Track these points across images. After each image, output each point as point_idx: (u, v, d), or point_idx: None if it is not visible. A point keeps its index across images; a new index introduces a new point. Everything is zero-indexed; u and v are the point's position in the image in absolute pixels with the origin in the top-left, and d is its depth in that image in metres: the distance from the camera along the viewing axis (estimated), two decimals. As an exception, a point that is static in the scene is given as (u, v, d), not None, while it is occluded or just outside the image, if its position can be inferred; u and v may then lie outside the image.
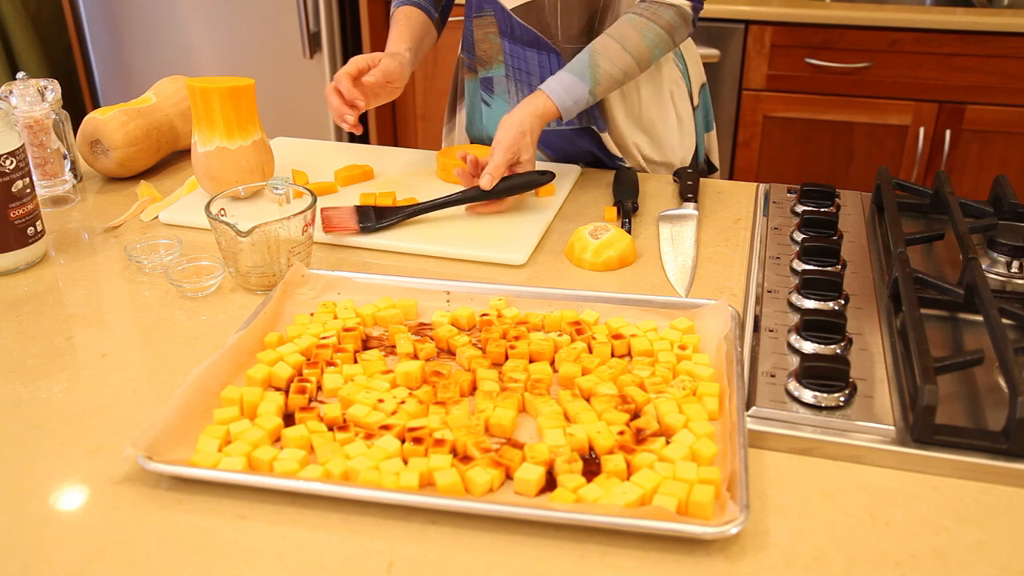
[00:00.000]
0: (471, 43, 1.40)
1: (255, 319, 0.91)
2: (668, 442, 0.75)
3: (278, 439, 0.77)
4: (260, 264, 1.00)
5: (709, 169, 1.48)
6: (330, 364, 0.86)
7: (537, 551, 0.66)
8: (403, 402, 0.80)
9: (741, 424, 0.74)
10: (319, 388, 0.84)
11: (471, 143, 1.45)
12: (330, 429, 0.77)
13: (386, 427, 0.77)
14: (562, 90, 1.18)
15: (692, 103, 1.39)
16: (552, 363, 0.87)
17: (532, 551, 0.66)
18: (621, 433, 0.75)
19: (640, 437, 0.76)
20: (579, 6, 1.27)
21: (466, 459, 0.72)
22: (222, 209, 1.02)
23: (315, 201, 1.02)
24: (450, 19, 1.39)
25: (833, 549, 0.67)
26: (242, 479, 0.71)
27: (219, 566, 0.65)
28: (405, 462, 0.73)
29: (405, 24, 1.33)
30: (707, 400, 0.79)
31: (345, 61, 2.73)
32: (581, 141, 1.37)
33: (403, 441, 0.76)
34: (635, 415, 0.79)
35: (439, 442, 0.74)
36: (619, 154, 1.35)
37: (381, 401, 0.80)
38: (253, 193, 1.12)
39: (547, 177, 1.19)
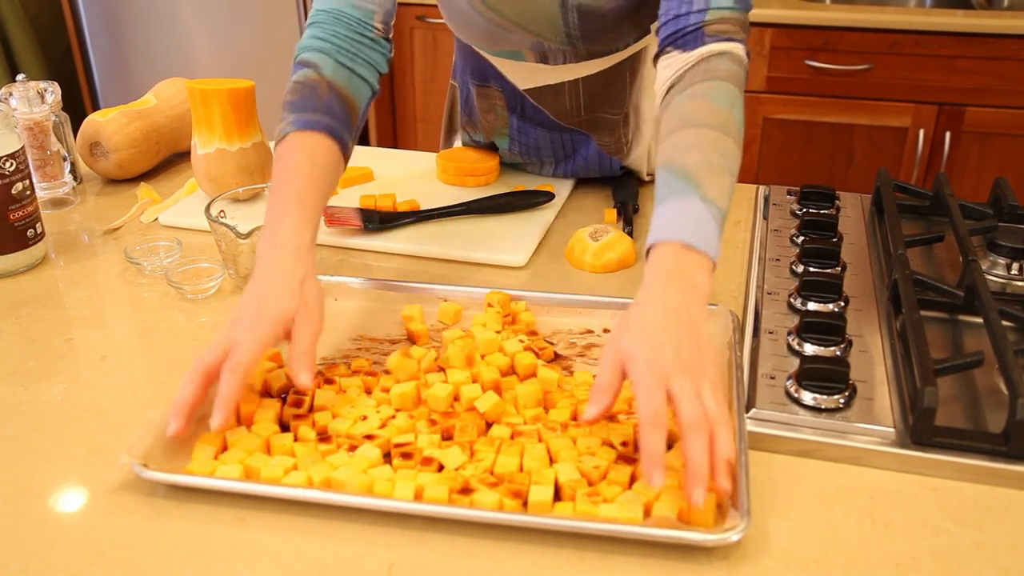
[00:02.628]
0: (471, 106, 1.29)
1: None
2: (669, 447, 0.75)
3: None
4: (260, 266, 1.00)
5: None
6: (328, 381, 0.83)
7: (537, 557, 0.66)
8: (393, 416, 0.79)
9: (741, 429, 0.74)
10: (311, 404, 0.81)
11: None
12: (321, 439, 0.77)
13: (370, 437, 0.76)
14: (673, 223, 0.78)
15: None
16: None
17: (532, 557, 0.66)
18: (624, 444, 0.74)
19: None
20: (603, 82, 1.17)
21: (466, 491, 0.70)
22: (222, 211, 1.02)
23: (315, 203, 1.02)
24: (440, 20, 1.30)
25: (833, 551, 0.67)
26: (236, 487, 0.71)
27: (218, 568, 0.65)
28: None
29: (310, 176, 0.88)
30: None
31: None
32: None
33: (387, 454, 0.74)
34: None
35: (427, 460, 0.73)
36: (647, 177, 1.29)
37: (364, 418, 0.78)
38: (253, 195, 1.12)
39: (548, 197, 1.20)
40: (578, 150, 1.27)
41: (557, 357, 0.89)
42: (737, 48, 0.90)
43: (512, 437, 0.76)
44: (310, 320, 0.80)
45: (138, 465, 0.71)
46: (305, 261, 0.83)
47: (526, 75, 1.20)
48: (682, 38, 0.91)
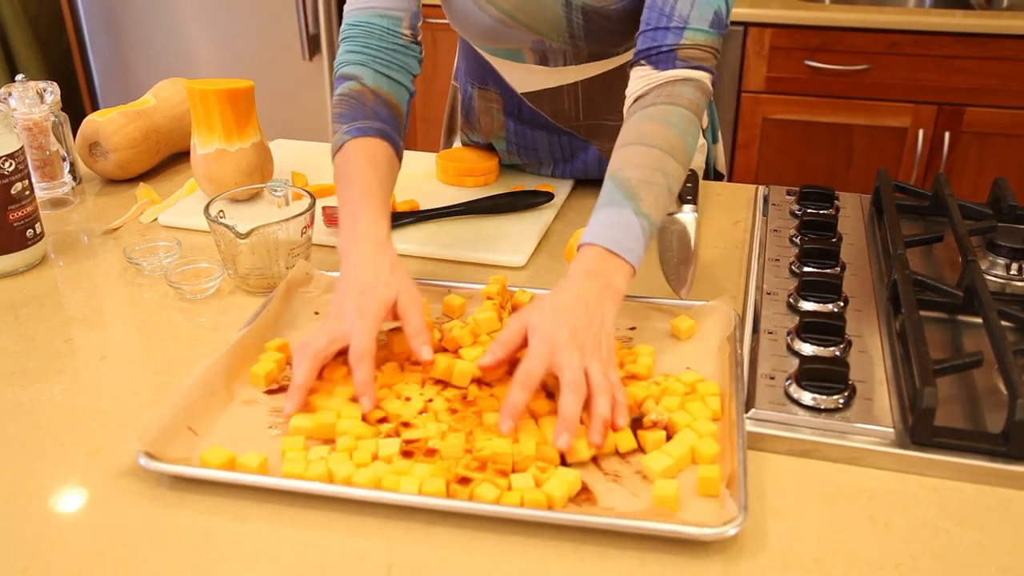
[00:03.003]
0: (470, 107, 1.30)
1: (258, 317, 0.91)
2: (669, 438, 0.76)
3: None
4: (259, 266, 1.00)
5: (716, 179, 1.47)
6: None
7: (536, 552, 0.66)
8: (431, 400, 0.81)
9: (740, 425, 0.75)
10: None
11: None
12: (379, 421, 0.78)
13: (384, 420, 0.78)
14: (604, 229, 0.85)
15: (702, 124, 1.35)
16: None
17: (531, 552, 0.66)
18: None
19: (644, 426, 0.77)
20: (603, 86, 1.17)
21: (464, 481, 0.71)
22: (221, 211, 1.02)
23: (314, 203, 1.02)
24: (448, 21, 1.30)
25: (832, 551, 0.67)
26: (239, 478, 0.72)
27: (218, 568, 0.65)
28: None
29: (374, 177, 0.94)
30: (709, 400, 0.80)
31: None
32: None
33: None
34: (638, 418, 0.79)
35: (430, 452, 0.74)
36: None
37: (408, 399, 0.81)
38: (252, 195, 1.12)
39: (547, 197, 1.20)
40: (577, 154, 1.27)
41: None
42: (704, 77, 0.96)
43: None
44: (413, 299, 0.85)
45: (143, 457, 0.72)
46: (388, 249, 0.89)
47: (525, 77, 1.20)
48: (655, 56, 0.96)
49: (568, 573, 0.65)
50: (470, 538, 0.68)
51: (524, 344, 0.79)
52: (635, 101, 0.96)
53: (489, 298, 0.94)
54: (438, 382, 0.83)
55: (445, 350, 0.88)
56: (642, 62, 0.97)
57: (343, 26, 1.06)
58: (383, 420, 0.78)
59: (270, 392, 0.84)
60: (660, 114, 0.92)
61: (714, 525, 0.65)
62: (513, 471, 0.72)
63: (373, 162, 0.95)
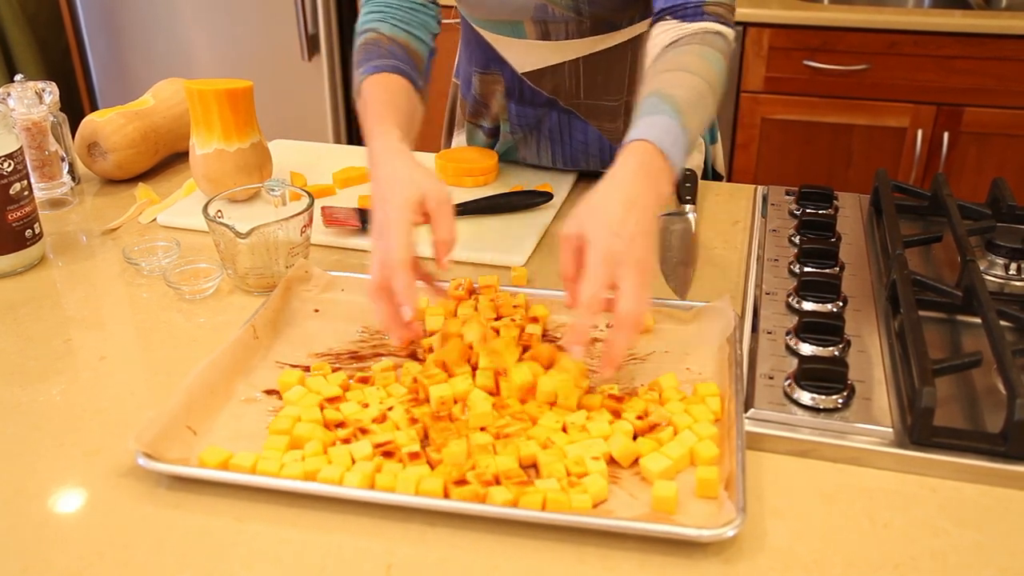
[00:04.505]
0: (474, 96, 1.31)
1: (257, 315, 0.91)
2: (675, 432, 0.76)
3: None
4: (258, 266, 1.00)
5: (715, 179, 1.47)
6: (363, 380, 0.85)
7: (536, 553, 0.66)
8: (391, 408, 0.79)
9: (739, 426, 0.75)
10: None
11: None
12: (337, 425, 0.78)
13: (364, 431, 0.77)
14: (655, 132, 0.83)
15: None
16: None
17: (531, 553, 0.66)
18: (640, 417, 0.78)
19: (647, 426, 0.77)
20: (604, 64, 1.18)
21: (461, 483, 0.70)
22: (219, 211, 1.02)
23: (312, 202, 1.02)
24: (449, 21, 1.32)
25: (831, 551, 0.67)
26: (237, 479, 0.72)
27: (217, 568, 0.65)
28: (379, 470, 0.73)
29: (387, 100, 0.96)
30: (710, 401, 0.80)
31: (344, 64, 2.73)
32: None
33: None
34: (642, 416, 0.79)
35: (414, 455, 0.73)
36: None
37: (366, 405, 0.80)
38: (250, 195, 1.12)
39: (547, 197, 1.20)
40: (575, 135, 1.27)
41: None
42: (730, 32, 0.98)
43: (498, 437, 0.76)
44: (440, 200, 0.84)
45: (142, 457, 0.72)
46: (402, 153, 0.87)
47: (526, 55, 1.20)
48: (682, 11, 0.98)
49: (568, 574, 0.65)
50: (469, 539, 0.68)
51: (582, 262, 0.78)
52: (667, 47, 0.96)
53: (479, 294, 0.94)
54: (413, 400, 0.81)
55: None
56: (667, 17, 0.98)
57: None
58: (341, 424, 0.77)
59: (268, 392, 0.84)
60: (700, 51, 0.93)
61: (712, 527, 0.65)
62: (497, 483, 0.71)
63: (386, 88, 0.98)
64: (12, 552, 0.67)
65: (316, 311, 0.97)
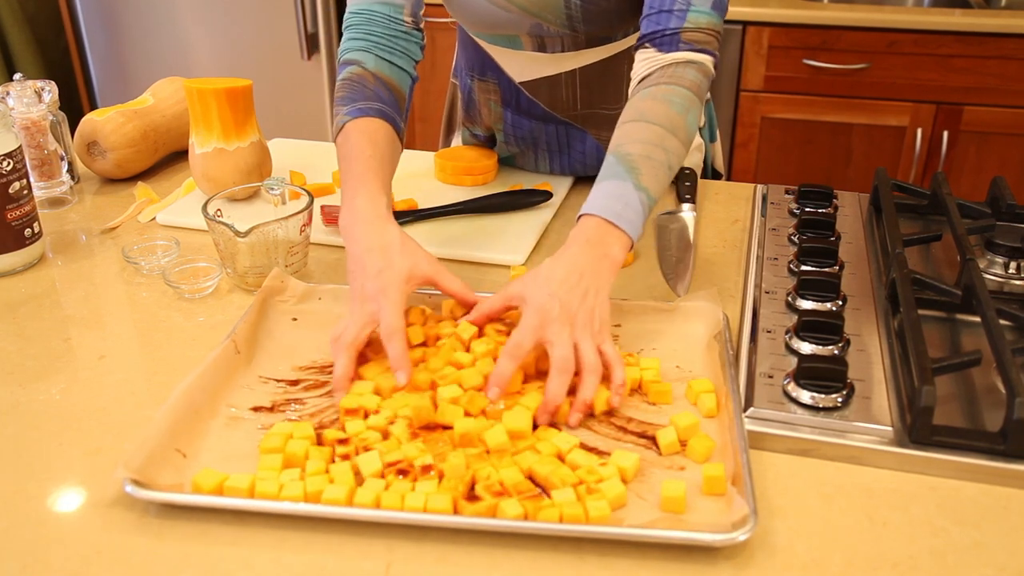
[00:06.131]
0: (470, 100, 1.31)
1: (235, 330, 0.88)
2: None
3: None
4: (258, 264, 1.00)
5: (714, 178, 1.47)
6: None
7: (535, 556, 0.66)
8: (392, 421, 0.78)
9: (740, 427, 0.74)
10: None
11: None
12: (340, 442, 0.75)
13: (367, 448, 0.74)
14: (603, 201, 0.87)
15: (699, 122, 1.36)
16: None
17: (530, 556, 0.66)
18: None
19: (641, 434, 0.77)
20: (601, 74, 1.18)
21: (472, 498, 0.70)
22: (219, 210, 1.02)
23: (312, 201, 1.02)
24: (447, 20, 1.28)
25: (831, 550, 0.67)
26: (235, 504, 0.70)
27: (217, 568, 0.65)
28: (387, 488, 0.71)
29: (372, 155, 0.95)
30: (704, 397, 0.80)
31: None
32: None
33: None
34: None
35: (426, 468, 0.71)
36: None
37: (367, 416, 0.78)
38: (250, 195, 1.12)
39: (546, 196, 1.20)
40: (574, 145, 1.27)
41: None
42: (706, 60, 0.98)
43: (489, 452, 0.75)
44: (433, 266, 0.89)
45: (130, 485, 0.69)
46: (390, 224, 0.89)
47: (523, 66, 1.20)
48: (659, 39, 0.98)
49: (566, 572, 0.65)
50: (469, 540, 0.68)
51: (508, 310, 0.84)
52: (639, 83, 0.98)
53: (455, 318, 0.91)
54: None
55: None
56: (646, 45, 0.99)
57: (346, 14, 1.08)
58: (343, 441, 0.75)
59: (256, 409, 0.81)
60: (662, 93, 0.94)
61: (724, 529, 0.65)
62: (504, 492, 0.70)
63: (373, 141, 0.96)
64: (11, 551, 0.67)
65: (294, 320, 0.95)
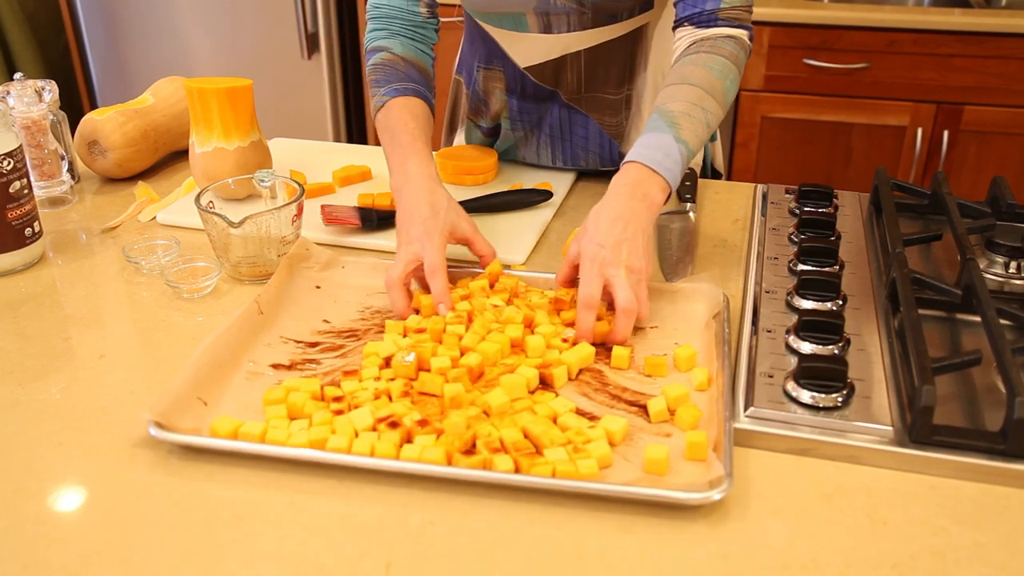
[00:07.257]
0: (476, 91, 1.33)
1: (261, 292, 0.94)
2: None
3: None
4: (251, 255, 1.01)
5: (714, 177, 1.47)
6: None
7: (538, 552, 0.66)
8: (392, 379, 0.82)
9: (727, 398, 0.78)
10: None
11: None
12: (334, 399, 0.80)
13: (358, 406, 0.79)
14: (646, 150, 0.95)
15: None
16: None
17: (531, 552, 0.66)
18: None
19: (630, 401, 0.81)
20: (605, 56, 1.20)
21: (469, 452, 0.73)
22: (211, 202, 1.03)
23: (303, 192, 1.04)
24: (450, 19, 1.33)
25: (830, 550, 0.67)
26: (241, 447, 0.74)
27: (217, 567, 0.65)
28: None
29: (415, 128, 1.07)
30: (696, 372, 0.83)
31: (344, 62, 2.73)
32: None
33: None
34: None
35: (423, 422, 0.76)
36: None
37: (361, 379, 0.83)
38: (245, 195, 1.12)
39: (546, 196, 1.21)
40: (576, 130, 1.27)
41: None
42: (743, 34, 1.07)
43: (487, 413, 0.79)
44: (472, 226, 1.01)
45: (154, 427, 0.75)
46: (440, 185, 1.02)
47: (528, 49, 1.21)
48: (698, 17, 1.07)
49: (568, 574, 0.65)
50: (469, 537, 0.68)
51: (576, 270, 0.92)
52: (680, 55, 1.06)
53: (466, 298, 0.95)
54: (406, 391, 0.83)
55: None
56: (685, 24, 1.07)
57: (368, 6, 1.20)
58: (339, 399, 0.80)
59: (275, 366, 0.87)
60: (702, 60, 1.02)
61: (701, 489, 0.68)
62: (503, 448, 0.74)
63: (413, 115, 1.09)
64: (11, 551, 0.67)
65: (318, 287, 1.00)
